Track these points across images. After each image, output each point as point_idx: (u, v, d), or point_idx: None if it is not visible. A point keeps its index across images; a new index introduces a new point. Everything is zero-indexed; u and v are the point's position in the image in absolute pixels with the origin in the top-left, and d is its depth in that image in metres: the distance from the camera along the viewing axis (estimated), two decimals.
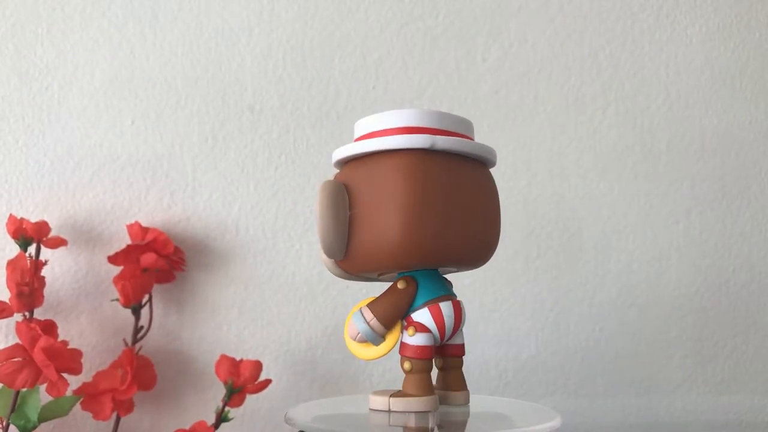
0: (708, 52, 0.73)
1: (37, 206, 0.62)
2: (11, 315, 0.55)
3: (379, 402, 0.39)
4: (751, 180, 0.73)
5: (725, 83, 0.73)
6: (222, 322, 0.64)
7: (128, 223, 0.61)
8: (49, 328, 0.54)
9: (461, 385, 0.42)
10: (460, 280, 0.43)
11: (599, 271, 0.70)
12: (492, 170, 0.43)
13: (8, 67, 0.63)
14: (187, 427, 0.56)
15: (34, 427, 0.55)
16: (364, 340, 0.40)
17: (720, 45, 0.74)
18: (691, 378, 0.71)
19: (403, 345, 0.39)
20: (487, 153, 0.40)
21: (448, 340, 0.40)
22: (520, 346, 0.68)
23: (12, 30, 0.63)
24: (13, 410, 0.54)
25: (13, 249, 0.58)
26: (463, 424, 0.39)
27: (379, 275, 0.41)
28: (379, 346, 0.40)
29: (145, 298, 0.60)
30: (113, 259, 0.59)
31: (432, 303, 0.39)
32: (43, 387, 0.53)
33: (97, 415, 0.55)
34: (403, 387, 0.39)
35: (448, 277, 0.42)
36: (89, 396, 0.55)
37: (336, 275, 0.42)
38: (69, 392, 0.54)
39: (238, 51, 0.66)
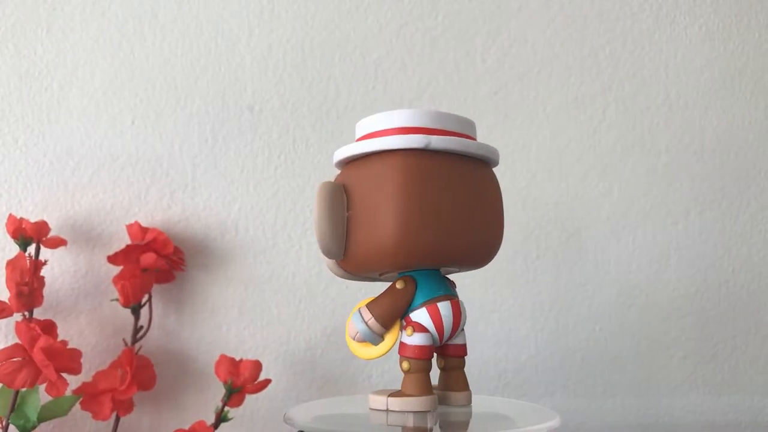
0: (708, 52, 0.73)
1: (36, 206, 0.62)
2: (11, 315, 0.55)
3: (378, 402, 0.40)
4: (750, 180, 0.73)
5: (725, 83, 0.73)
6: (222, 322, 0.64)
7: (128, 223, 0.61)
8: (49, 328, 0.54)
9: (463, 385, 0.41)
10: (459, 281, 0.43)
11: (599, 271, 0.70)
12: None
13: (8, 66, 0.63)
14: (186, 427, 0.56)
15: (34, 427, 0.55)
16: (363, 340, 0.40)
17: (720, 45, 0.74)
18: (691, 378, 0.71)
19: (401, 345, 0.39)
20: (486, 152, 0.40)
21: (449, 341, 0.40)
22: (519, 347, 0.68)
23: (12, 30, 0.63)
24: (12, 410, 0.54)
25: (12, 249, 0.58)
26: (464, 424, 0.39)
27: (380, 275, 0.41)
28: (378, 346, 0.40)
29: (145, 298, 0.60)
30: (113, 259, 0.59)
31: (430, 303, 0.39)
32: (42, 387, 0.53)
33: (96, 415, 0.55)
34: (401, 387, 0.39)
35: (452, 277, 0.42)
36: (89, 396, 0.55)
37: (338, 275, 0.42)
38: (68, 392, 0.54)
39: (238, 51, 0.66)
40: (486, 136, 0.65)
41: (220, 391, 0.57)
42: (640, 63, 0.72)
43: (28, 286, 0.55)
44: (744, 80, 0.74)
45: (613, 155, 0.71)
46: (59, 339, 0.54)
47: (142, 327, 0.60)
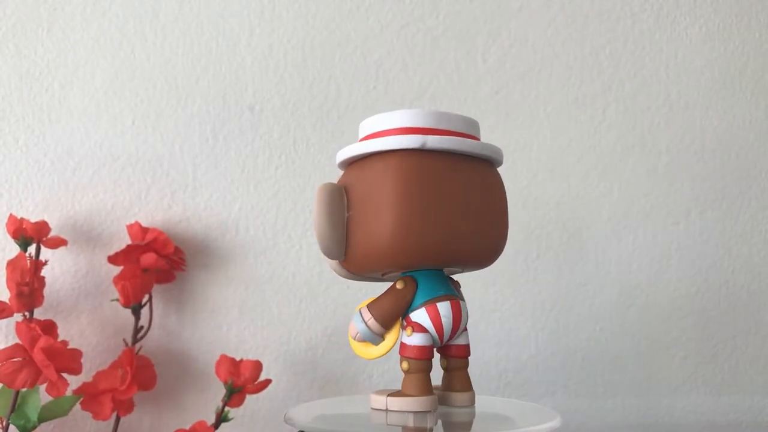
0: (708, 52, 0.73)
1: (37, 206, 0.62)
2: (11, 315, 0.55)
3: (379, 401, 0.40)
4: (751, 180, 0.73)
5: (725, 83, 0.73)
6: (222, 322, 0.64)
7: (128, 223, 0.61)
8: (49, 328, 0.54)
9: (465, 385, 0.41)
10: (459, 280, 0.43)
11: (599, 271, 0.70)
12: None
13: (9, 66, 0.63)
14: (187, 427, 0.56)
15: (34, 427, 0.55)
16: (363, 340, 0.40)
17: (720, 45, 0.74)
18: (692, 378, 0.71)
19: (402, 345, 0.39)
20: (488, 151, 0.40)
21: (451, 341, 0.40)
22: (520, 347, 0.68)
23: (13, 30, 0.63)
24: (13, 410, 0.54)
25: (13, 249, 0.58)
26: (465, 425, 0.39)
27: (382, 275, 0.41)
28: (378, 346, 0.40)
29: (145, 298, 0.60)
30: (113, 259, 0.59)
31: (430, 303, 0.39)
32: (43, 387, 0.53)
33: (96, 415, 0.55)
34: (402, 387, 0.39)
35: (456, 277, 0.42)
36: (89, 396, 0.55)
37: (341, 276, 0.42)
38: (69, 392, 0.54)
39: (239, 51, 0.66)
40: (487, 136, 0.65)
41: (221, 391, 0.57)
42: (641, 63, 0.72)
43: (29, 286, 0.55)
44: (744, 80, 0.74)
45: (614, 155, 0.71)
46: (60, 339, 0.54)
47: (142, 327, 0.60)
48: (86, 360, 0.57)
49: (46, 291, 0.57)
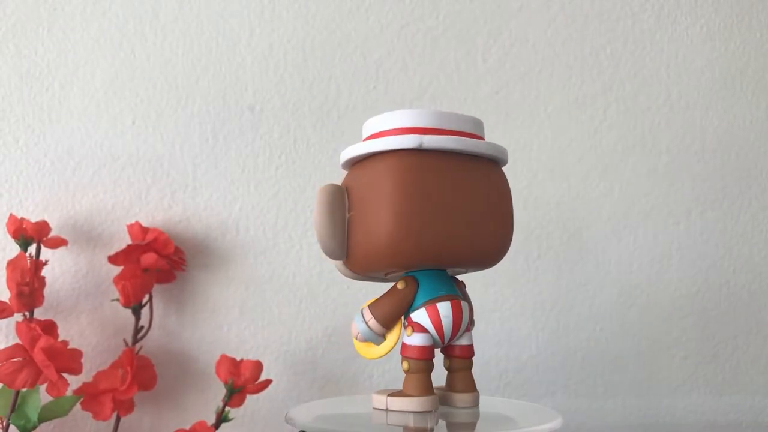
0: (709, 52, 0.73)
1: (37, 206, 0.62)
2: (11, 315, 0.55)
3: (380, 401, 0.40)
4: (751, 180, 0.73)
5: (726, 83, 0.73)
6: (222, 322, 0.64)
7: (128, 223, 0.61)
8: (49, 328, 0.54)
9: (468, 386, 0.41)
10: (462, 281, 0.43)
11: (600, 271, 0.70)
12: None
13: (9, 66, 0.63)
14: (187, 427, 0.56)
15: (34, 427, 0.55)
16: (364, 340, 0.40)
17: (721, 45, 0.74)
18: (692, 378, 0.71)
19: (402, 345, 0.39)
20: (489, 150, 0.40)
21: (453, 341, 0.40)
22: (520, 347, 0.68)
23: (13, 30, 0.63)
24: (13, 410, 0.54)
25: (13, 249, 0.58)
26: (466, 425, 0.39)
27: (385, 275, 0.41)
28: (380, 346, 0.40)
29: (146, 298, 0.60)
30: (113, 259, 0.59)
31: (430, 303, 0.39)
32: (43, 387, 0.53)
33: (97, 415, 0.55)
34: (402, 387, 0.39)
35: (461, 277, 0.42)
36: (89, 396, 0.55)
37: (346, 276, 0.42)
38: (69, 392, 0.54)
39: (239, 51, 0.66)
40: (487, 135, 0.65)
41: (221, 392, 0.57)
42: (641, 63, 0.72)
43: (29, 286, 0.55)
44: (745, 80, 0.74)
45: (614, 155, 0.71)
46: (60, 339, 0.54)
47: (142, 327, 0.60)
48: (86, 360, 0.57)
49: (46, 291, 0.57)
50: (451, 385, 0.41)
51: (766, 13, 0.74)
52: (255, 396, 0.60)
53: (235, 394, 0.56)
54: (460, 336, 0.40)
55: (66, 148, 0.63)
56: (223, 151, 0.65)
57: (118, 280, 0.58)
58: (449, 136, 0.38)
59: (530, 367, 0.68)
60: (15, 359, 0.51)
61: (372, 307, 0.40)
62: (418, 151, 0.38)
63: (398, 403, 0.39)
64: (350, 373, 0.65)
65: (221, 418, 0.56)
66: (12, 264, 0.55)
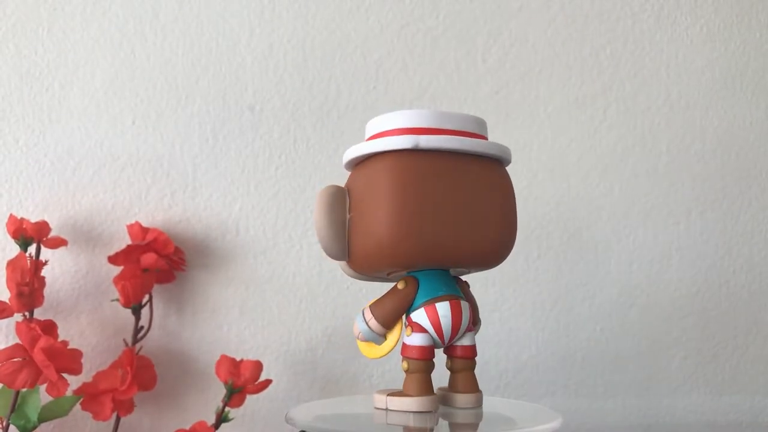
0: (709, 52, 0.73)
1: (37, 206, 0.62)
2: (11, 315, 0.55)
3: (380, 401, 0.40)
4: (751, 180, 0.73)
5: (726, 84, 0.73)
6: (222, 322, 0.64)
7: (128, 223, 0.61)
8: (49, 328, 0.54)
9: (469, 387, 0.41)
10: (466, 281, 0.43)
11: (600, 271, 0.70)
12: None
13: (9, 66, 0.63)
14: (187, 428, 0.56)
15: (34, 427, 0.55)
16: (365, 340, 0.40)
17: (721, 46, 0.74)
18: (692, 378, 0.71)
19: (402, 345, 0.39)
20: (490, 150, 0.40)
21: (454, 341, 0.40)
22: (520, 347, 0.68)
23: (13, 30, 0.63)
24: (13, 410, 0.54)
25: (13, 249, 0.58)
26: (466, 426, 0.39)
27: (387, 275, 0.41)
28: (381, 346, 0.40)
29: (146, 298, 0.60)
30: (113, 259, 0.59)
31: (429, 303, 0.39)
32: (43, 387, 0.53)
33: (97, 416, 0.55)
34: (402, 387, 0.39)
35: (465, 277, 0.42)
36: (89, 396, 0.55)
37: (350, 276, 0.42)
38: (69, 392, 0.54)
39: (239, 51, 0.66)
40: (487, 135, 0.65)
41: (221, 392, 0.57)
42: (641, 63, 0.72)
43: (29, 287, 0.55)
44: (745, 80, 0.74)
45: (614, 155, 0.71)
46: (60, 339, 0.54)
47: (142, 327, 0.60)
48: (86, 360, 0.57)
49: (46, 291, 0.57)
50: (453, 386, 0.41)
51: (766, 13, 0.75)
52: (255, 396, 0.60)
53: (235, 394, 0.56)
54: (462, 336, 0.40)
55: (66, 148, 0.63)
56: (223, 151, 0.65)
57: (118, 280, 0.58)
58: (446, 136, 0.38)
59: (530, 367, 0.68)
60: (15, 359, 0.51)
61: (372, 307, 0.40)
62: (415, 152, 0.38)
63: (397, 403, 0.39)
64: (350, 373, 0.65)
65: (221, 418, 0.56)
66: (12, 264, 0.55)
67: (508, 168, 0.42)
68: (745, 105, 0.73)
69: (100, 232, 0.63)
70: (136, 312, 0.60)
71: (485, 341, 0.67)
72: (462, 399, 0.41)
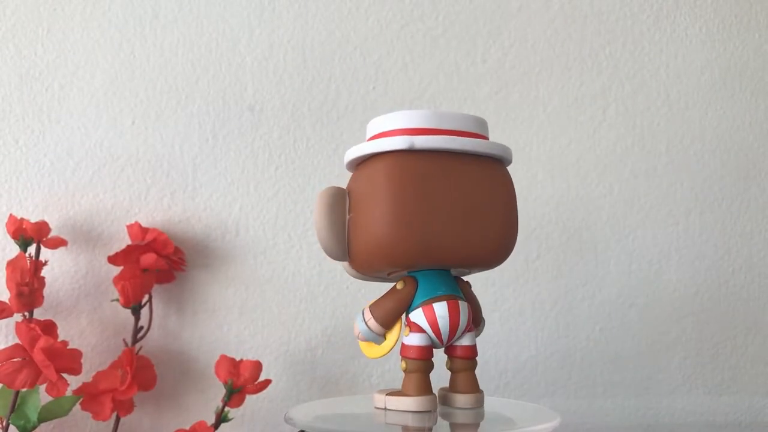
0: (708, 52, 0.73)
1: (37, 206, 0.62)
2: (11, 315, 0.55)
3: (379, 401, 0.40)
4: (750, 181, 0.73)
5: (725, 84, 0.73)
6: (222, 322, 0.64)
7: (128, 223, 0.61)
8: (49, 328, 0.54)
9: (468, 387, 0.41)
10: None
11: (599, 271, 0.70)
12: None
13: (8, 67, 0.63)
14: (187, 427, 0.56)
15: (34, 427, 0.55)
16: (365, 339, 0.40)
17: (720, 46, 0.74)
18: (691, 378, 0.71)
19: (401, 345, 0.40)
20: (489, 149, 0.40)
21: (453, 341, 0.40)
22: (520, 347, 0.68)
23: (12, 30, 0.63)
24: (13, 410, 0.54)
25: (13, 249, 0.58)
26: (466, 426, 0.39)
27: (388, 275, 0.41)
28: (381, 345, 0.40)
29: (145, 298, 0.60)
30: (113, 260, 0.59)
31: (426, 303, 0.39)
32: (43, 387, 0.53)
33: (96, 416, 0.55)
34: (401, 387, 0.40)
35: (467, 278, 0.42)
36: (89, 396, 0.55)
37: (352, 276, 0.43)
38: (69, 392, 0.54)
39: (239, 51, 0.66)
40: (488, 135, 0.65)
41: (221, 392, 0.57)
42: (641, 63, 0.72)
43: (29, 287, 0.55)
44: (744, 81, 0.74)
45: (614, 155, 0.71)
46: (59, 339, 0.54)
47: (142, 327, 0.60)
48: (86, 360, 0.57)
49: (46, 291, 0.57)
50: (453, 386, 0.41)
51: (766, 13, 0.75)
52: (254, 396, 0.60)
53: (235, 394, 0.56)
54: (461, 336, 0.40)
55: (65, 149, 0.63)
56: (223, 151, 0.65)
57: (117, 280, 0.58)
58: (443, 136, 0.38)
59: (530, 367, 0.68)
60: (15, 359, 0.51)
61: (372, 307, 0.40)
62: (412, 152, 0.38)
63: (396, 403, 0.39)
64: (350, 373, 0.65)
65: (221, 418, 0.56)
66: (12, 264, 0.55)
67: (509, 167, 0.42)
68: (744, 105, 0.74)
69: (100, 232, 0.63)
70: (136, 312, 0.60)
71: (485, 341, 0.67)
72: (462, 399, 0.41)
